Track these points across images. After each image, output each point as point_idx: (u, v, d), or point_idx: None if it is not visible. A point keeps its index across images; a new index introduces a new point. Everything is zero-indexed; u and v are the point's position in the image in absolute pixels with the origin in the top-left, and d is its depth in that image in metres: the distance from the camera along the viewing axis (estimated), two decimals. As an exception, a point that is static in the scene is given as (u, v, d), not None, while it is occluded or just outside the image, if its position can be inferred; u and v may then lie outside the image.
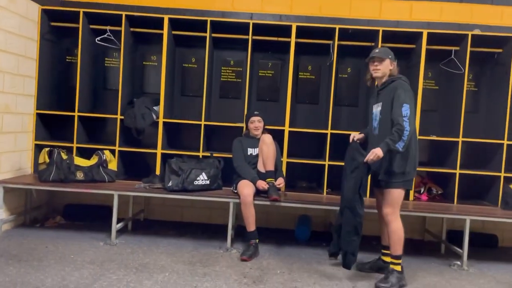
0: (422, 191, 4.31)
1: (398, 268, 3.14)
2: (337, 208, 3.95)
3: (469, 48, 4.12)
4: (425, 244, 4.44)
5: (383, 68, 3.16)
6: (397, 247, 3.12)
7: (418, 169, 3.26)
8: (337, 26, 4.19)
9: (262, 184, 3.71)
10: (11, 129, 3.94)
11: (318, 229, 4.50)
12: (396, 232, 3.10)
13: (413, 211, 3.82)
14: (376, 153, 2.95)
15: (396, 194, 3.09)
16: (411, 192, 4.17)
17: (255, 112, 3.97)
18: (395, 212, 3.11)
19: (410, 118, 2.94)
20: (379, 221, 3.36)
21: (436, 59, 4.38)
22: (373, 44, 4.30)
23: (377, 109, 3.21)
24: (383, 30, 4.14)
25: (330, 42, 4.33)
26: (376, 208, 3.39)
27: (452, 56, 4.29)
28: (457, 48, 4.29)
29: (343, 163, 4.18)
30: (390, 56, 3.17)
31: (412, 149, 3.07)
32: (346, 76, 4.61)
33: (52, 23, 4.40)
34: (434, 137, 4.20)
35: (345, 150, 4.33)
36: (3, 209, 3.80)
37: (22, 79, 4.06)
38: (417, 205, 4.02)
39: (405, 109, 2.94)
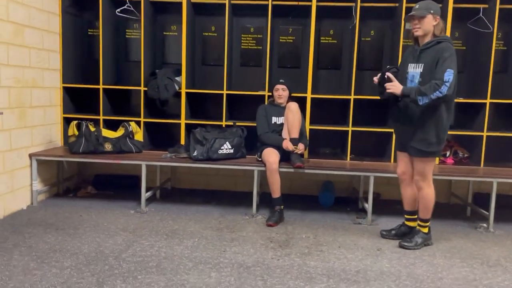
0: (448, 154, 4.27)
1: (425, 230, 3.18)
2: (361, 173, 3.98)
3: (498, 6, 3.95)
4: (451, 207, 4.44)
5: (425, 25, 2.91)
6: (427, 211, 3.13)
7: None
8: (360, -12, 4.06)
9: (289, 144, 3.72)
10: (40, 103, 4.05)
11: (342, 194, 4.54)
12: (427, 198, 3.09)
13: (439, 174, 3.79)
14: (395, 88, 2.91)
15: (429, 162, 3.04)
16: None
17: (280, 80, 3.95)
18: (427, 178, 3.06)
19: (451, 84, 2.77)
20: (401, 186, 3.32)
21: (463, 18, 4.22)
22: (397, 4, 4.17)
23: (415, 70, 2.97)
24: (407, -10, 3.99)
25: (352, 4, 4.21)
26: (398, 173, 3.30)
27: (480, 14, 4.12)
28: (486, 6, 4.11)
29: (366, 129, 4.21)
30: (432, 11, 2.90)
31: (445, 118, 2.92)
32: (369, 39, 4.51)
33: (73, -4, 4.42)
34: (461, 99, 4.11)
35: (368, 115, 4.33)
36: (38, 181, 3.97)
37: (47, 53, 4.13)
38: (443, 169, 3.99)
39: (448, 74, 2.77)
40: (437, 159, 4.15)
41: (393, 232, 3.41)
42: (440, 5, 4.02)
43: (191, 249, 3.04)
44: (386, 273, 2.74)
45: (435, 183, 3.15)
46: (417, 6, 2.96)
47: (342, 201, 4.38)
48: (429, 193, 3.08)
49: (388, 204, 4.33)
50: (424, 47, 2.95)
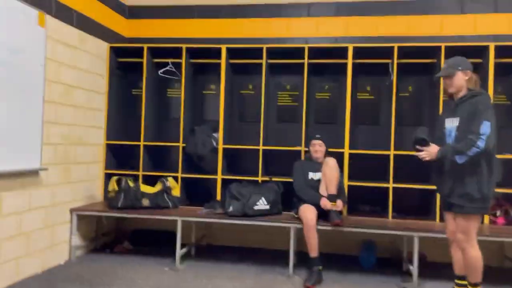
0: (498, 214, 3.99)
1: None
2: (405, 233, 3.77)
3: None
4: (504, 272, 4.08)
5: (456, 82, 2.89)
6: (475, 275, 2.87)
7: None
8: (396, 45, 4.09)
9: (326, 202, 3.63)
10: (83, 159, 4.21)
11: (384, 255, 4.29)
12: (473, 260, 2.84)
13: (489, 236, 3.54)
14: (429, 154, 2.86)
15: (471, 221, 2.83)
16: (486, 216, 3.88)
17: (316, 136, 3.94)
18: (471, 239, 2.84)
19: (489, 136, 2.67)
20: (451, 248, 3.09)
21: (505, 73, 4.12)
22: (435, 60, 4.14)
23: (452, 124, 2.89)
24: (445, 46, 3.97)
25: (389, 61, 4.23)
26: (447, 233, 3.10)
27: (524, 68, 4.01)
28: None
29: (408, 185, 4.04)
30: (460, 68, 2.87)
31: (486, 172, 2.76)
32: (407, 94, 4.46)
33: (119, 59, 4.70)
34: (509, 155, 3.91)
35: (410, 171, 4.18)
36: (77, 236, 4.03)
37: (93, 112, 4.35)
38: (493, 229, 3.72)
39: (485, 127, 2.68)
40: (486, 218, 3.89)
41: None
42: (481, 60, 4.00)
43: (224, 311, 2.91)
44: None
45: (486, 245, 2.93)
46: (445, 66, 2.96)
47: (384, 262, 4.14)
48: (475, 255, 2.84)
49: (435, 267, 4.04)
50: (459, 101, 2.90)
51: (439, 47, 4.00)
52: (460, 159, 2.72)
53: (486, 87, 3.89)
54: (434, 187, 3.80)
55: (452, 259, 3.10)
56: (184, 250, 4.01)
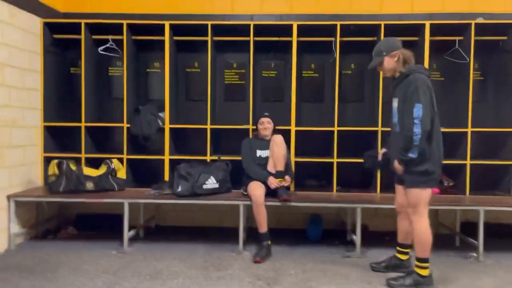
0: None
1: (423, 272, 2.93)
2: (348, 205, 3.94)
3: (473, 37, 4.08)
4: (439, 237, 4.36)
5: (386, 67, 3.00)
6: (421, 248, 2.92)
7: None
8: (338, 23, 4.17)
9: (273, 181, 3.69)
10: (19, 142, 3.97)
11: (330, 227, 4.46)
12: (420, 233, 2.91)
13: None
14: (397, 168, 2.95)
15: (418, 194, 2.90)
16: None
17: (265, 114, 3.96)
18: (418, 212, 2.90)
19: (423, 118, 2.74)
20: (398, 218, 3.25)
21: (440, 50, 4.34)
22: (375, 38, 4.27)
23: (394, 104, 3.01)
24: (385, 24, 4.11)
25: (332, 39, 4.31)
26: (395, 205, 3.25)
27: (456, 46, 4.25)
28: (461, 38, 4.25)
29: (351, 160, 4.20)
30: (384, 53, 2.96)
31: (433, 147, 2.85)
32: (350, 72, 4.59)
33: (55, 36, 4.43)
34: (442, 129, 4.15)
35: (352, 147, 4.35)
36: (15, 223, 3.82)
37: (27, 92, 4.09)
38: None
39: (417, 110, 2.74)
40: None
41: (383, 264, 3.33)
42: (417, 38, 4.18)
43: (175, 290, 2.92)
44: (378, 308, 2.66)
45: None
46: (373, 55, 3.06)
47: (330, 234, 4.31)
48: (422, 228, 2.90)
49: (377, 236, 4.27)
50: (395, 83, 3.01)
51: (379, 25, 4.13)
52: (413, 154, 2.78)
53: (422, 64, 4.09)
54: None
55: (397, 229, 3.27)
56: (132, 232, 3.94)
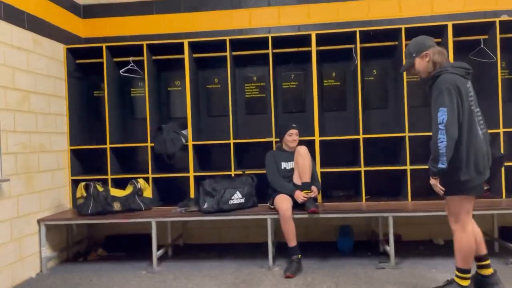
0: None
1: (463, 282, 2.75)
2: (378, 214, 3.83)
3: (498, 35, 3.95)
4: (476, 244, 4.21)
5: (419, 68, 2.81)
6: (462, 259, 2.73)
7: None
8: (357, 29, 4.12)
9: (300, 195, 3.62)
10: (47, 167, 4.03)
11: (361, 238, 4.34)
12: (462, 244, 2.72)
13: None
14: (431, 182, 2.74)
15: (453, 203, 2.73)
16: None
17: (293, 125, 3.88)
18: (457, 221, 2.73)
19: (448, 123, 2.54)
20: None
21: (465, 50, 4.20)
22: (396, 43, 4.20)
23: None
24: (405, 28, 4.03)
25: (352, 46, 4.25)
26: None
27: (482, 45, 4.12)
28: (486, 36, 4.12)
29: (379, 168, 4.10)
30: (414, 55, 2.79)
31: (463, 153, 2.62)
32: (372, 78, 4.50)
33: (78, 61, 4.53)
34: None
35: (380, 154, 4.25)
36: (46, 246, 3.87)
37: (54, 117, 4.18)
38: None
39: (441, 114, 2.56)
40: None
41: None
42: (440, 39, 4.07)
43: (206, 309, 2.87)
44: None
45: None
46: (405, 57, 2.90)
47: (362, 245, 4.19)
48: (460, 239, 2.72)
49: (411, 246, 4.13)
50: (428, 86, 2.79)
51: (400, 29, 4.05)
52: (442, 164, 2.58)
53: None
54: (403, 167, 3.95)
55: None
56: (161, 251, 3.92)
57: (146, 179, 4.25)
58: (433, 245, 4.24)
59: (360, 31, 4.11)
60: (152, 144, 4.29)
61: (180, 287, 3.33)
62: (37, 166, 3.87)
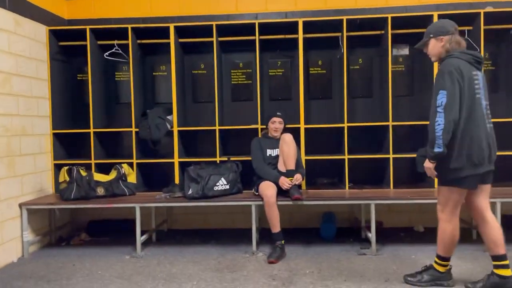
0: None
1: (441, 268, 2.83)
2: (361, 202, 3.89)
3: (482, 27, 4.00)
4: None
5: (431, 50, 2.73)
6: (444, 248, 2.78)
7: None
8: (344, 18, 4.12)
9: (285, 181, 3.65)
10: (29, 151, 3.97)
11: (343, 225, 4.41)
12: (445, 234, 2.72)
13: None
14: (426, 168, 2.66)
15: (443, 192, 2.70)
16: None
17: (277, 113, 3.91)
18: (443, 211, 2.71)
19: (447, 105, 2.47)
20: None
21: (495, 40, 4.23)
22: (382, 32, 4.22)
23: None
24: (391, 17, 4.05)
25: (339, 34, 4.25)
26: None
27: (466, 36, 4.16)
28: (470, 27, 4.17)
29: (362, 156, 4.15)
30: (431, 35, 2.69)
31: (457, 138, 2.54)
32: (358, 67, 4.53)
33: (61, 43, 4.44)
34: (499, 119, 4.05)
35: (363, 142, 4.30)
36: (28, 231, 3.83)
37: (36, 100, 4.10)
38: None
39: (441, 97, 2.50)
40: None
41: (480, 285, 2.77)
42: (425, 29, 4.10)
43: (190, 293, 2.89)
44: (397, 305, 2.60)
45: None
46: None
47: (344, 232, 4.25)
48: (445, 229, 2.71)
49: (392, 232, 4.21)
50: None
51: (386, 18, 4.07)
52: (439, 148, 2.51)
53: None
54: (386, 155, 4.01)
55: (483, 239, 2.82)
56: (145, 237, 3.92)
57: (130, 164, 4.22)
58: (413, 232, 4.33)
59: (347, 19, 4.11)
60: (137, 130, 4.25)
61: (163, 271, 3.34)
62: (18, 150, 3.81)
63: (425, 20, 4.09)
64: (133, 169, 4.22)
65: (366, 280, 3.05)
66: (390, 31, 4.02)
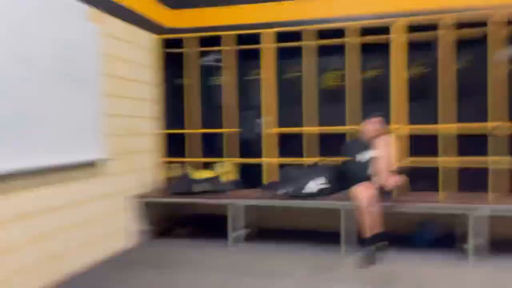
0: None
1: None
2: (462, 211, 3.68)
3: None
4: None
5: None
6: None
7: None
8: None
9: (389, 179, 3.62)
10: (142, 148, 4.42)
11: (443, 231, 4.18)
12: None
13: None
14: None
15: None
16: None
17: (373, 115, 3.91)
18: None
19: None
20: None
21: None
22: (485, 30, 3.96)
23: None
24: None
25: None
26: None
27: None
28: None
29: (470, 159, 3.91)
30: None
31: None
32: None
33: (167, 50, 4.82)
34: None
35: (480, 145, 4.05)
36: (139, 222, 4.25)
37: (146, 103, 4.52)
38: None
39: None
40: None
41: None
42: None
43: (287, 289, 2.99)
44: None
45: None
46: None
47: (441, 239, 4.06)
48: None
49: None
50: None
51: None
52: None
53: None
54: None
55: None
56: (239, 232, 4.11)
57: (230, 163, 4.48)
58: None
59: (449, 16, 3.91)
60: (237, 130, 4.51)
61: (258, 267, 3.49)
62: (133, 147, 4.25)
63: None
64: (232, 168, 4.45)
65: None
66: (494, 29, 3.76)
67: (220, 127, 4.71)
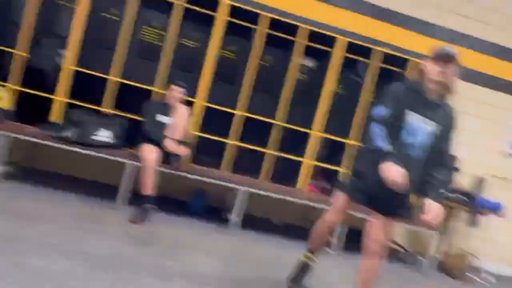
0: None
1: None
2: (236, 186, 4.08)
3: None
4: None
5: None
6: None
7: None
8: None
9: (171, 144, 3.71)
10: None
11: (212, 204, 4.57)
12: None
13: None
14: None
15: None
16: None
17: (180, 83, 3.95)
18: None
19: None
20: None
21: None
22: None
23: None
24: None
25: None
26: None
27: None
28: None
29: (252, 147, 4.38)
30: None
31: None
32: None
33: None
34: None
35: (255, 131, 4.52)
36: None
37: None
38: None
39: None
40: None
41: None
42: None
43: (42, 234, 2.81)
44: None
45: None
46: None
47: (212, 210, 4.41)
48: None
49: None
50: None
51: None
52: None
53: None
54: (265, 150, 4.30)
55: None
56: (4, 168, 3.64)
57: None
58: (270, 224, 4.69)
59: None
60: (27, 55, 3.90)
61: (16, 207, 3.18)
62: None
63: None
64: (9, 94, 3.86)
65: (214, 256, 3.29)
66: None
67: (11, 46, 4.02)
